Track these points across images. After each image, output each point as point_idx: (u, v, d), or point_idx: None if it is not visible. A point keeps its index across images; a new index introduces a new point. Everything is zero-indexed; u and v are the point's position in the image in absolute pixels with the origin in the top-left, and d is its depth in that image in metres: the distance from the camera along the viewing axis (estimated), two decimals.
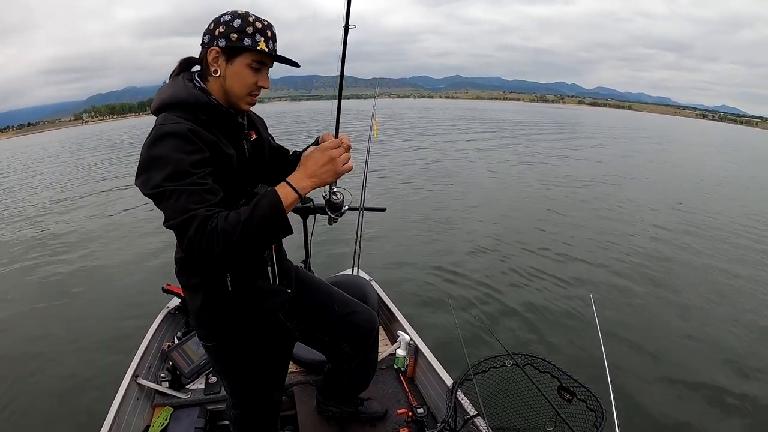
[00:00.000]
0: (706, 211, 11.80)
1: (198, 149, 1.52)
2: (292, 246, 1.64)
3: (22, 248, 8.99)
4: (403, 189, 12.78)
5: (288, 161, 2.12)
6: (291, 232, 1.60)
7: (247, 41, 1.62)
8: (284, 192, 1.57)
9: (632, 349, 4.89)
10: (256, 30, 1.63)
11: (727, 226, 10.41)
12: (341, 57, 2.04)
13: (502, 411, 2.63)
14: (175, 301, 3.60)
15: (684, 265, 7.79)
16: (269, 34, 1.68)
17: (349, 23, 1.98)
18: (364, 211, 3.53)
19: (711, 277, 7.27)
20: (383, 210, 3.46)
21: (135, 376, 2.88)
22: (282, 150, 2.14)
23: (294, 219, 2.59)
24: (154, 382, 2.98)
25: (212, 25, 1.64)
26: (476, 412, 2.47)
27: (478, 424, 2.41)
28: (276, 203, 1.53)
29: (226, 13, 1.65)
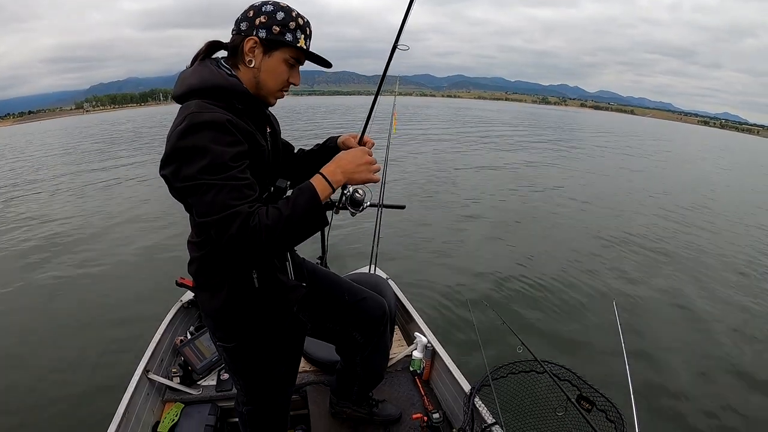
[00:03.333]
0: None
1: (237, 141, 1.47)
2: (307, 242, 1.62)
3: (26, 240, 8.92)
4: (421, 187, 12.76)
5: (297, 158, 2.13)
6: (327, 223, 1.58)
7: (289, 36, 1.59)
8: (320, 185, 1.55)
9: (656, 358, 4.85)
10: (298, 26, 1.61)
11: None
12: (383, 71, 2.09)
13: (520, 419, 2.59)
14: (189, 295, 3.54)
15: (711, 271, 7.81)
16: (308, 32, 1.65)
17: (401, 44, 1.99)
18: (383, 209, 3.49)
19: (746, 283, 7.32)
20: (403, 207, 3.41)
21: (146, 370, 2.84)
22: (288, 145, 2.12)
23: None
24: (165, 377, 2.95)
25: (251, 12, 1.59)
26: (494, 419, 2.43)
27: None
28: (314, 196, 1.51)
29: (267, 3, 1.59)
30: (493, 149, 23.55)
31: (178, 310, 3.49)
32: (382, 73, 2.07)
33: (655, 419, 3.87)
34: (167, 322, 3.32)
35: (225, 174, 1.40)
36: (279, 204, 1.47)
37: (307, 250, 2.03)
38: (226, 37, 1.68)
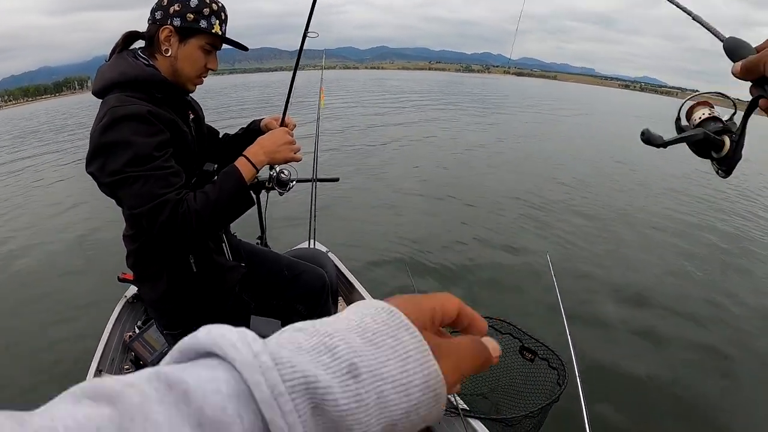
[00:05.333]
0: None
1: (159, 130, 1.51)
2: (247, 222, 1.67)
3: None
4: (351, 158, 12.79)
5: (222, 142, 2.16)
6: (254, 203, 1.65)
7: (204, 23, 1.61)
8: (244, 167, 1.63)
9: (590, 305, 5.09)
10: (212, 12, 1.62)
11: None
12: (296, 59, 2.13)
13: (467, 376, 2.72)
14: (133, 290, 3.47)
15: (639, 219, 8.32)
16: (223, 17, 1.68)
17: (311, 31, 2.04)
18: (317, 182, 3.53)
19: (671, 227, 7.87)
20: (336, 180, 3.46)
21: (99, 370, 2.80)
22: (213, 130, 2.16)
23: None
24: (118, 375, 2.92)
25: (165, 1, 1.60)
26: None
27: None
28: (239, 178, 1.59)
29: None
30: (413, 118, 23.70)
31: (124, 305, 3.43)
32: (297, 59, 2.13)
33: (593, 363, 4.08)
34: (114, 319, 3.27)
35: (150, 164, 1.44)
36: (206, 188, 1.53)
37: (247, 230, 2.07)
38: (143, 18, 1.68)
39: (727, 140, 0.83)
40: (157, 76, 1.62)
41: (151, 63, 1.66)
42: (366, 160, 12.59)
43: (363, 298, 3.32)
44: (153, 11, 1.62)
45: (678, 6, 1.00)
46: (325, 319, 0.40)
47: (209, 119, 2.08)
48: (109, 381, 0.32)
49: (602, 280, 5.74)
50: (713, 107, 0.85)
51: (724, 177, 0.85)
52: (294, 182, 2.09)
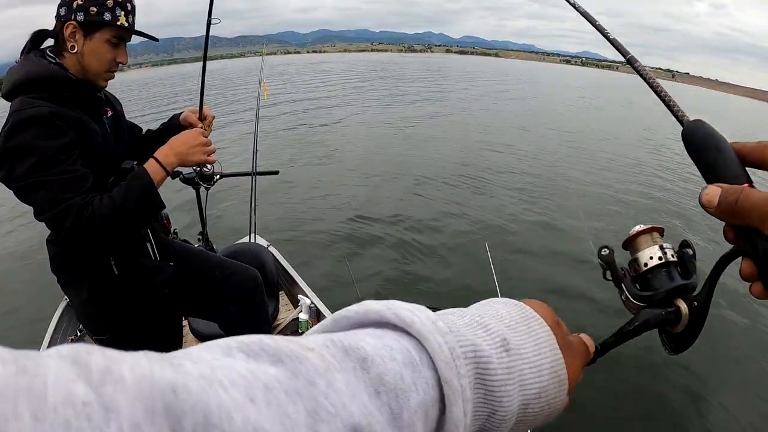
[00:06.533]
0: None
1: (62, 132, 1.48)
2: (189, 218, 1.65)
3: None
4: (290, 149, 12.56)
5: (143, 139, 2.12)
6: (164, 206, 1.65)
7: (107, 16, 1.58)
8: (153, 169, 1.61)
9: (524, 289, 5.21)
10: (116, 3, 1.59)
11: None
12: (204, 49, 2.12)
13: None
14: None
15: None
16: (129, 8, 1.64)
17: (214, 17, 2.04)
18: (257, 176, 3.50)
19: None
20: (276, 173, 3.47)
21: None
22: (134, 127, 2.13)
23: (188, 191, 2.59)
24: None
25: None
26: None
27: None
28: (147, 181, 1.57)
29: None
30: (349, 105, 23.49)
31: (64, 309, 3.37)
32: (204, 48, 2.12)
33: None
34: (55, 323, 3.18)
35: (55, 169, 1.43)
36: (114, 191, 1.52)
37: (190, 226, 2.05)
38: None
39: (683, 308, 0.55)
40: (59, 74, 1.59)
41: (59, 61, 1.63)
42: (308, 149, 12.53)
43: (304, 292, 3.34)
44: (58, 7, 1.59)
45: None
46: (463, 308, 0.45)
47: (142, 113, 2.06)
48: (280, 340, 0.32)
49: (540, 262, 5.90)
50: (662, 237, 0.58)
51: (673, 354, 0.58)
52: (218, 177, 2.09)
